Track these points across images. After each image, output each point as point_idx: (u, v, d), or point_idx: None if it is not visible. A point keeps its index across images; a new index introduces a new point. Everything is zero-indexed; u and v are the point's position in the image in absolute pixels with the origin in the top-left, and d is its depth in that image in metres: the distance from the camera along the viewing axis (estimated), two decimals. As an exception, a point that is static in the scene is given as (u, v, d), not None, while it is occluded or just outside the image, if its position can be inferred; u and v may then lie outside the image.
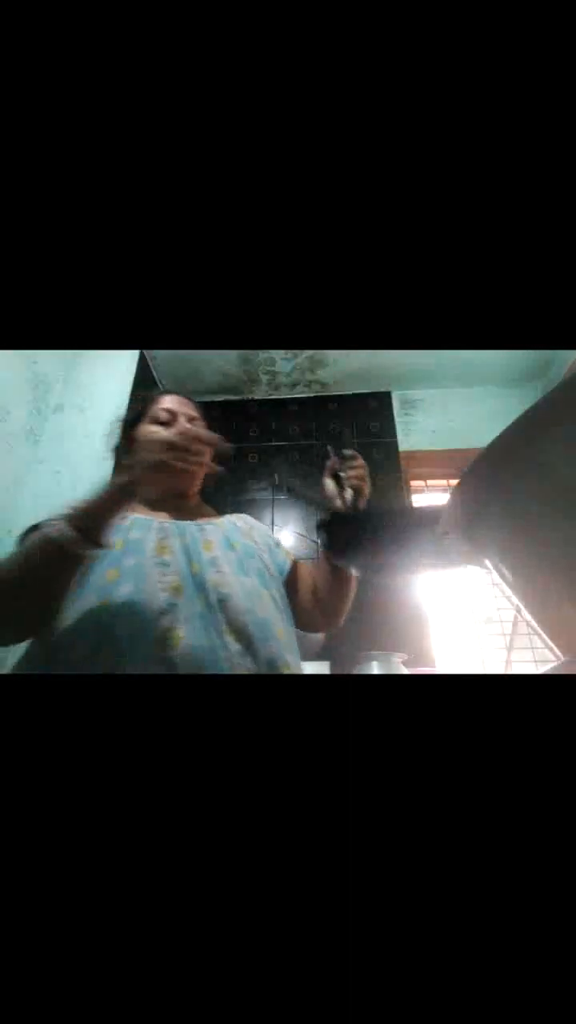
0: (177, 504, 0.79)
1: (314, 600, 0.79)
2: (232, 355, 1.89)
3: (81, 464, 1.49)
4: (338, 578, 0.76)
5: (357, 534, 0.62)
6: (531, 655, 1.55)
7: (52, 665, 0.53)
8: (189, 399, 0.87)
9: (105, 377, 1.67)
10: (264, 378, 2.02)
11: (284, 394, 2.09)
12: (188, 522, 0.73)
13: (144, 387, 1.82)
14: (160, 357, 1.90)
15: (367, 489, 0.72)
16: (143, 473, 0.56)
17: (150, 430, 0.80)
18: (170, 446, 0.58)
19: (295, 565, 0.81)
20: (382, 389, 2.06)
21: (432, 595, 1.67)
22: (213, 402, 2.02)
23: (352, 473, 0.73)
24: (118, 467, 0.87)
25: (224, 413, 2.04)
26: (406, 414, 2.02)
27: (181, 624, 0.55)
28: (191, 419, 0.82)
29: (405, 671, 1.30)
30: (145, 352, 1.83)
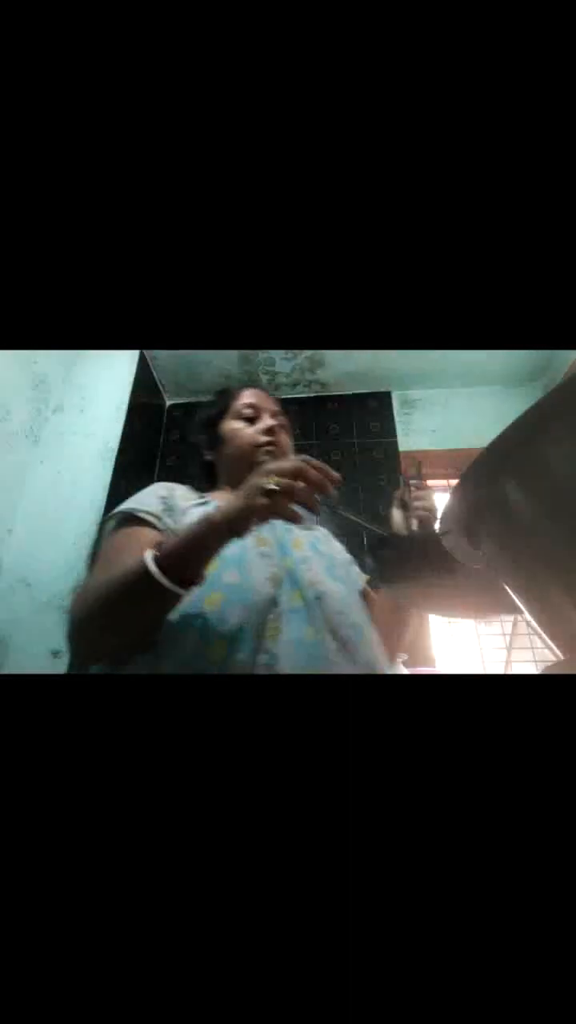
0: None
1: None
2: (232, 355, 1.89)
3: (81, 464, 1.49)
4: (399, 612, 0.72)
5: (414, 563, 0.57)
6: (531, 655, 1.55)
7: (156, 660, 0.51)
8: (267, 393, 0.86)
9: (105, 377, 1.67)
10: (264, 378, 2.01)
11: (284, 394, 2.09)
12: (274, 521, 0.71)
13: (144, 387, 1.82)
14: (160, 357, 1.90)
15: (434, 520, 0.69)
16: (258, 502, 0.46)
17: (235, 427, 0.79)
18: (297, 473, 0.46)
19: (365, 590, 0.77)
20: (382, 389, 2.05)
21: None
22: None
23: (420, 504, 0.71)
24: (203, 466, 0.85)
25: (224, 413, 2.04)
26: (406, 414, 2.02)
27: (282, 617, 0.54)
28: (274, 414, 0.81)
29: (405, 671, 1.30)
30: (145, 352, 1.83)
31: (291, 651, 0.51)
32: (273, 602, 0.55)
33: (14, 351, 1.39)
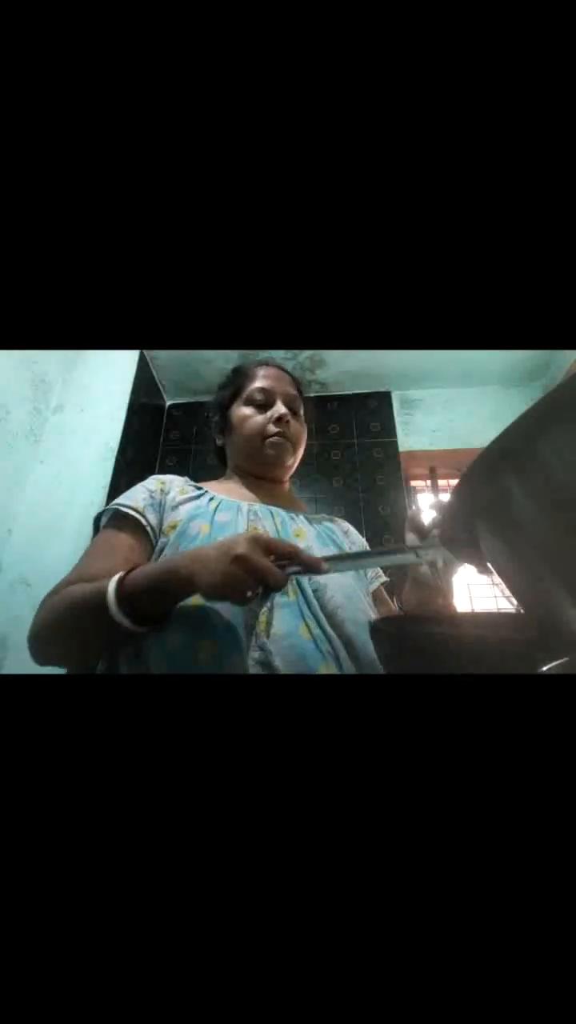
0: (268, 490, 0.75)
1: None
2: (232, 355, 1.89)
3: (81, 464, 1.49)
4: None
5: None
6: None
7: (142, 661, 0.49)
8: (286, 372, 0.80)
9: (105, 377, 1.67)
10: (264, 378, 2.01)
11: (284, 394, 2.08)
12: (277, 507, 0.68)
13: (144, 387, 1.82)
14: (160, 357, 1.90)
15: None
16: (212, 581, 0.44)
17: (244, 413, 0.75)
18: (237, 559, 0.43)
19: (379, 591, 0.74)
20: (382, 389, 2.06)
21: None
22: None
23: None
24: (216, 451, 0.83)
25: (224, 413, 2.04)
26: (406, 414, 2.02)
27: (274, 611, 0.52)
28: (288, 399, 0.76)
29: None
30: (145, 352, 1.83)
31: (284, 648, 0.49)
32: (264, 596, 0.51)
33: (14, 351, 1.39)
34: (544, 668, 0.31)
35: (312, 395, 2.08)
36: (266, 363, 0.80)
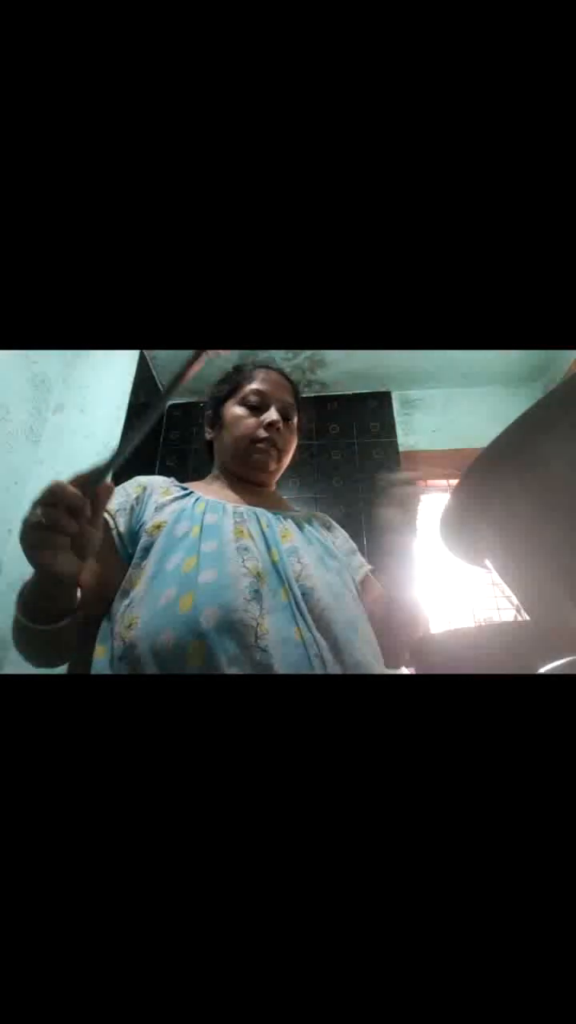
0: (253, 491, 0.75)
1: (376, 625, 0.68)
2: (232, 355, 1.89)
3: (81, 464, 1.48)
4: (409, 605, 0.68)
5: None
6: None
7: (131, 663, 0.48)
8: (286, 378, 0.80)
9: (105, 377, 1.67)
10: (264, 378, 2.01)
11: (284, 394, 2.08)
12: (263, 509, 0.68)
13: (144, 387, 1.82)
14: (160, 357, 1.90)
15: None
16: (30, 541, 0.45)
17: (237, 413, 0.75)
18: (53, 498, 0.44)
19: (367, 579, 0.73)
20: (382, 389, 2.05)
21: (432, 595, 1.67)
22: (213, 402, 2.02)
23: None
24: (206, 445, 0.83)
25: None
26: (406, 414, 2.02)
27: (267, 614, 0.51)
28: (284, 407, 0.76)
29: (405, 671, 1.29)
30: (145, 352, 1.83)
31: (280, 650, 0.49)
32: (256, 598, 0.51)
33: (14, 351, 1.39)
34: (544, 668, 0.31)
35: (312, 395, 2.08)
36: (267, 366, 0.81)
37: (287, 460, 0.79)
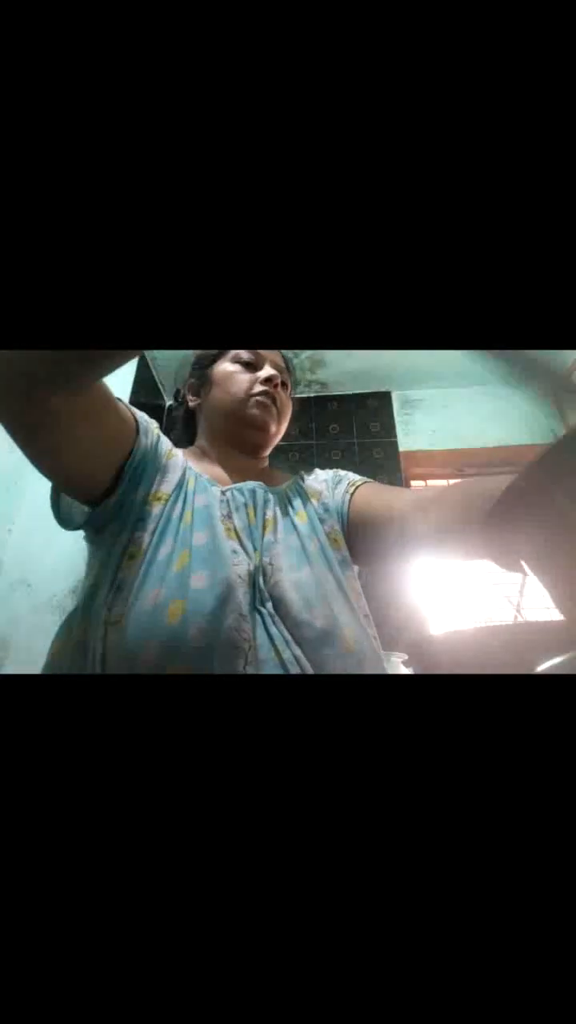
0: (243, 465, 0.68)
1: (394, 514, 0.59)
2: (232, 355, 1.89)
3: (81, 464, 1.48)
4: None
5: None
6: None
7: (108, 663, 0.44)
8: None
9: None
10: (264, 378, 2.01)
11: (284, 394, 2.09)
12: (252, 489, 0.61)
13: (144, 387, 1.82)
14: (160, 357, 1.90)
15: None
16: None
17: (229, 369, 0.68)
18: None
19: (354, 496, 0.64)
20: (382, 389, 2.06)
21: (432, 595, 1.67)
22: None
23: None
24: (184, 417, 0.78)
25: (224, 413, 2.04)
26: (406, 414, 2.02)
27: (254, 626, 0.47)
28: (279, 368, 0.69)
29: (405, 671, 1.30)
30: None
31: (266, 662, 0.45)
32: (250, 611, 0.48)
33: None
34: (543, 667, 0.31)
35: (312, 395, 2.08)
36: None
37: (284, 427, 0.73)
